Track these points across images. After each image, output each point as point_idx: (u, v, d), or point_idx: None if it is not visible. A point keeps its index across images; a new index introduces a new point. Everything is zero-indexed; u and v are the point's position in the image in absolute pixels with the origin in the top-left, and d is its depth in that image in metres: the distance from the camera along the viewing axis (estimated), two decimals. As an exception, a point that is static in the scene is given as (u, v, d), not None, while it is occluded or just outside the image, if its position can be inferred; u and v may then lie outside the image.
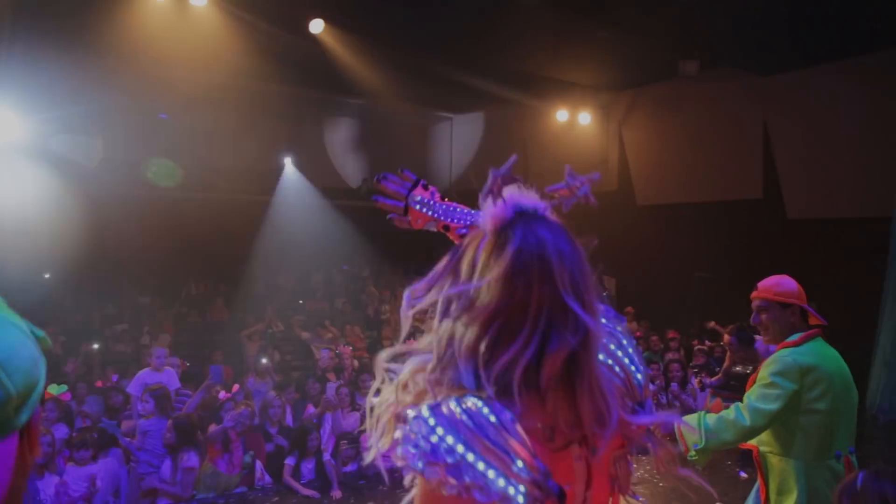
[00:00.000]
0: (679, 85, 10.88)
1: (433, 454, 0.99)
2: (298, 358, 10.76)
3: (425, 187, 1.79)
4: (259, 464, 6.11)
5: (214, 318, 12.11)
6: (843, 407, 2.95)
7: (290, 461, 6.18)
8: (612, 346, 1.26)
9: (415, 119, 12.76)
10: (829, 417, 2.90)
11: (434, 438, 1.00)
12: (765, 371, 3.00)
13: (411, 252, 13.76)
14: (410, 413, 1.04)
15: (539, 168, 12.85)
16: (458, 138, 13.25)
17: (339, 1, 8.93)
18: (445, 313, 1.12)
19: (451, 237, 1.71)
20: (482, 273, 1.10)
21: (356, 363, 8.91)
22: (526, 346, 1.05)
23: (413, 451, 1.00)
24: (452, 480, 0.98)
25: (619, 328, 1.29)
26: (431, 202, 1.76)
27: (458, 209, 1.74)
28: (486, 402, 1.03)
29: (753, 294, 3.22)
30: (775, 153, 10.57)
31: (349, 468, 6.43)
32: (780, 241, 10.13)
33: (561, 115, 12.74)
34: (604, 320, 1.24)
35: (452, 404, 1.02)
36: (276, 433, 6.53)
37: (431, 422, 1.01)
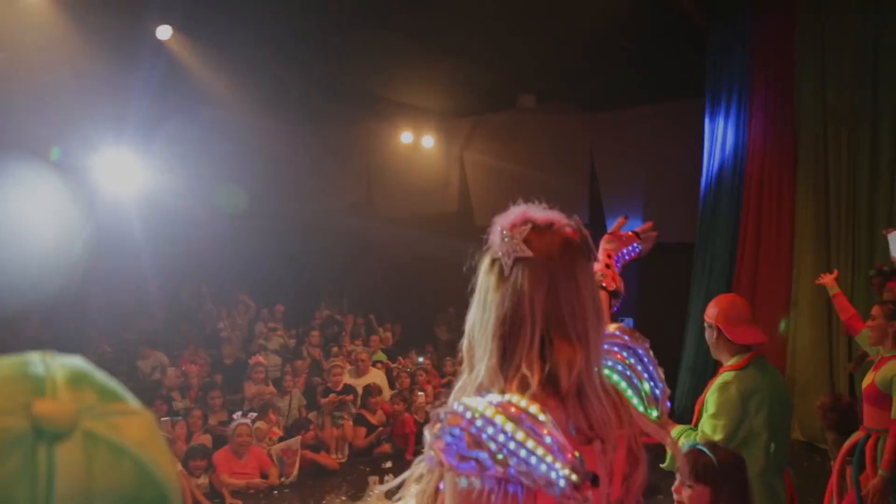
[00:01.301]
0: (517, 115, 11.71)
1: (475, 445, 1.00)
2: (131, 380, 10.16)
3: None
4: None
5: (30, 336, 11.09)
6: (779, 425, 3.01)
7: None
8: (632, 360, 1.33)
9: (260, 133, 12.54)
10: (771, 437, 2.95)
11: (473, 430, 1.01)
12: (710, 398, 3.00)
13: (252, 269, 13.48)
14: (443, 411, 1.05)
15: (383, 188, 13.18)
16: (303, 155, 13.19)
17: (186, 9, 8.69)
18: (480, 336, 1.20)
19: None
20: (495, 290, 1.18)
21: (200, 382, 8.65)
22: (536, 352, 1.12)
23: (451, 444, 1.00)
24: (498, 470, 0.99)
25: (638, 344, 1.36)
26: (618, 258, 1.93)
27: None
28: (513, 396, 1.07)
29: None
30: (600, 181, 11.70)
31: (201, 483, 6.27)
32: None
33: (406, 136, 13.13)
34: (626, 337, 1.35)
35: (484, 400, 1.06)
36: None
37: (468, 415, 1.02)
